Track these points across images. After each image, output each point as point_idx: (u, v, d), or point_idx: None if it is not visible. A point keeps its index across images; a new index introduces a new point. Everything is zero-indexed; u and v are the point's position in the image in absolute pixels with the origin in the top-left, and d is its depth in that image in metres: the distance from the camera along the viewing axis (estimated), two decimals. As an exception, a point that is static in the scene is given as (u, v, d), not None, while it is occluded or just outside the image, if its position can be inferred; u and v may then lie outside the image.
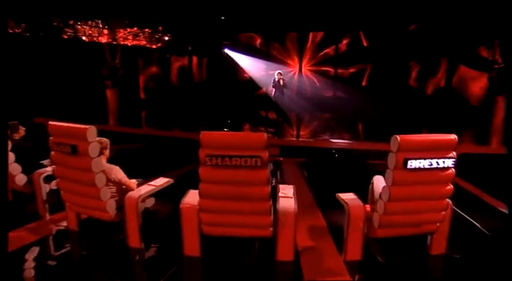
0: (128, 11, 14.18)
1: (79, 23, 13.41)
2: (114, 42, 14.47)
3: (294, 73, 15.02)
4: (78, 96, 12.10)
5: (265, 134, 3.98)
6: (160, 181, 4.97)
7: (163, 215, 5.37)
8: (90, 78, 12.60)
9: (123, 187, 4.70)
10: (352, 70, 14.59)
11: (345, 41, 14.51)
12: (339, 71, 14.60)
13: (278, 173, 8.16)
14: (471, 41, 12.07)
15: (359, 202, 4.52)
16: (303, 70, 14.89)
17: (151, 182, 4.92)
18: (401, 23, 13.37)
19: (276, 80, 11.66)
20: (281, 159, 8.66)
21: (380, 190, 4.60)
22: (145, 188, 4.67)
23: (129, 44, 14.79)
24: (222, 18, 14.82)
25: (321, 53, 14.81)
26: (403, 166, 3.97)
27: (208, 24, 15.26)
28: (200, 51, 15.57)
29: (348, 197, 4.60)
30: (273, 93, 11.91)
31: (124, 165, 4.70)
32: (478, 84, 12.21)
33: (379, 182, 4.94)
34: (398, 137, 3.95)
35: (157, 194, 4.94)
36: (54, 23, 12.62)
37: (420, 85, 13.52)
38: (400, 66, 13.72)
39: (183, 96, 15.06)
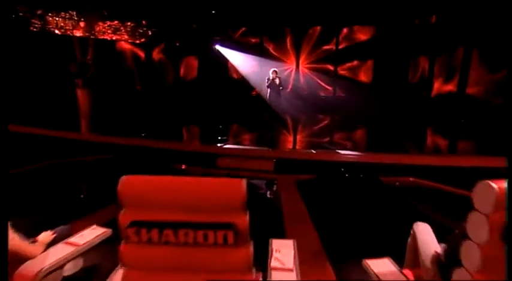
0: (107, 1, 12.17)
1: (50, 14, 11.36)
2: (92, 37, 12.43)
3: (291, 71, 13.09)
4: (46, 98, 10.08)
5: (245, 183, 2.00)
6: (89, 235, 2.99)
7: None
8: (61, 77, 10.57)
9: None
10: (353, 67, 12.61)
11: (345, 36, 12.54)
12: (340, 68, 12.66)
13: (274, 187, 6.28)
14: (489, 33, 10.14)
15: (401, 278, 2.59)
16: (300, 68, 12.94)
17: (75, 237, 2.95)
18: (407, 15, 11.45)
19: (271, 79, 9.73)
20: (275, 178, 6.72)
21: (432, 251, 2.72)
22: (56, 254, 2.70)
23: (109, 39, 12.76)
24: (213, 12, 12.85)
25: (320, 49, 12.85)
26: (502, 237, 2.04)
27: (197, 19, 13.31)
28: (188, 47, 13.57)
29: (381, 268, 2.66)
30: (267, 94, 9.98)
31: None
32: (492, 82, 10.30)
33: (426, 237, 3.02)
34: (494, 185, 2.00)
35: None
36: (20, 14, 10.58)
37: (426, 82, 11.61)
38: (405, 62, 11.77)
39: (170, 97, 13.08)
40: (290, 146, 9.90)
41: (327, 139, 10.70)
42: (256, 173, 7.02)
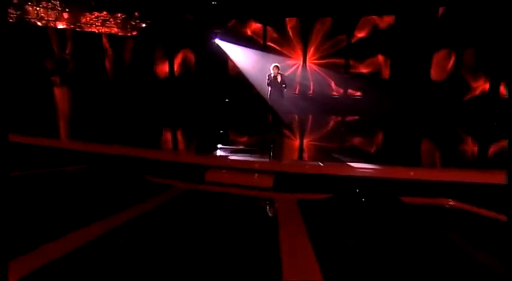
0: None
1: (29, 3, 10.19)
2: (78, 29, 11.26)
3: (297, 67, 11.78)
4: (18, 97, 8.89)
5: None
6: None
7: None
8: (35, 74, 9.37)
9: None
10: (368, 62, 11.20)
11: (359, 27, 11.15)
12: (352, 63, 11.29)
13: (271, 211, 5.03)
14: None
15: None
16: (307, 63, 11.62)
17: None
18: (430, 2, 10.06)
19: (272, 76, 8.42)
20: (273, 197, 5.44)
21: None
22: None
23: (97, 32, 11.59)
24: (213, 2, 11.64)
25: (330, 42, 11.49)
26: None
27: (193, 9, 12.10)
28: (183, 41, 12.34)
29: None
30: (268, 93, 8.67)
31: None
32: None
33: None
34: None
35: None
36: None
37: (452, 79, 10.21)
38: (428, 57, 10.37)
39: (161, 95, 11.86)
40: (296, 152, 8.59)
41: (338, 145, 9.36)
42: (252, 191, 5.74)
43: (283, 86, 8.44)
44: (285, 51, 11.75)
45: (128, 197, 4.89)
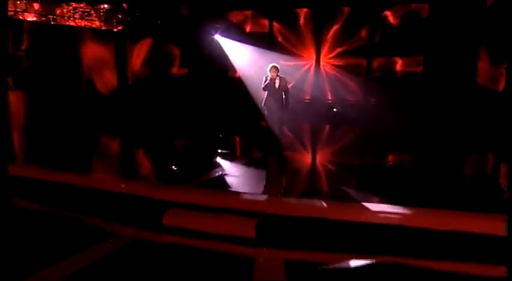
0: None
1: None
2: (53, 22, 9.81)
3: (309, 68, 10.03)
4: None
5: None
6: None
7: None
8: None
9: None
10: (395, 63, 9.72)
11: (384, 19, 9.27)
12: (376, 63, 9.36)
13: None
14: None
15: None
16: (321, 63, 9.90)
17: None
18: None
19: (268, 79, 6.68)
20: (252, 254, 3.75)
21: None
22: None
23: (73, 25, 10.12)
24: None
25: (349, 38, 9.69)
26: None
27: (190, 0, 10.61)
28: (178, 37, 10.72)
29: None
30: (263, 100, 6.92)
31: None
32: None
33: None
34: None
35: None
36: None
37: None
38: (471, 56, 8.39)
39: (153, 98, 10.29)
40: (306, 171, 6.77)
41: (358, 161, 7.49)
42: (225, 244, 4.02)
43: (284, 93, 6.67)
44: (294, 49, 10.01)
45: (43, 251, 3.52)
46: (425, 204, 4.26)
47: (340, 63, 10.14)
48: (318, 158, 7.65)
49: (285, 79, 6.73)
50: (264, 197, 4.73)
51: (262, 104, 6.89)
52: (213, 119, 9.54)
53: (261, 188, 5.27)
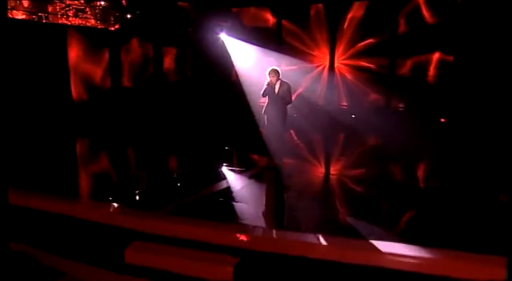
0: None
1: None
2: (44, 21, 9.15)
3: (322, 69, 9.10)
4: None
5: None
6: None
7: None
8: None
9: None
10: (420, 63, 8.75)
11: (408, 14, 8.29)
12: (398, 64, 9.11)
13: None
14: None
15: None
16: (335, 65, 8.93)
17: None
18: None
19: (267, 83, 5.75)
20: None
21: None
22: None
23: (68, 24, 9.44)
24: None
25: (367, 36, 9.12)
26: None
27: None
28: (178, 36, 10.07)
29: None
30: (263, 107, 5.97)
31: None
32: None
33: None
34: None
35: None
36: None
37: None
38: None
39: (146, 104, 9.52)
40: (318, 184, 5.80)
41: (376, 172, 6.45)
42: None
43: (286, 99, 5.73)
44: (306, 49, 9.06)
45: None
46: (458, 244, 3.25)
47: (356, 63, 9.12)
48: (329, 173, 6.68)
49: (287, 84, 5.79)
50: (252, 229, 3.77)
51: (262, 112, 5.95)
52: (206, 128, 8.66)
53: (254, 215, 4.32)
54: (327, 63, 9.27)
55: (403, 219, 4.24)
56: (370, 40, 8.94)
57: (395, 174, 6.40)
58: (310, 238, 3.43)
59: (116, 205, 4.39)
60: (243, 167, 6.24)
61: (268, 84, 5.70)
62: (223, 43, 9.86)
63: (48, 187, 4.43)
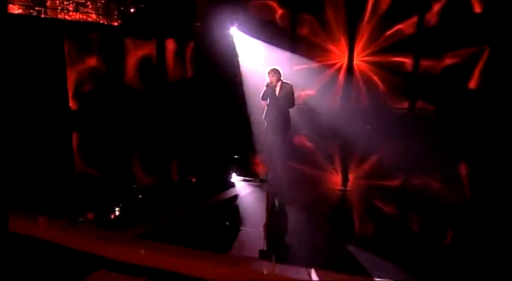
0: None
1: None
2: (42, 15, 8.67)
3: (339, 67, 8.29)
4: None
5: None
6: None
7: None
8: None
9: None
10: (450, 59, 7.64)
11: (437, 7, 7.33)
12: (425, 61, 7.69)
13: None
14: None
15: None
16: (354, 62, 8.09)
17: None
18: None
19: (267, 84, 5.08)
20: None
21: None
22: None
23: (68, 19, 8.92)
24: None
25: (390, 31, 7.63)
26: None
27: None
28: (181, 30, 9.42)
29: None
30: (263, 112, 5.23)
31: None
32: None
33: None
34: None
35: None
36: None
37: None
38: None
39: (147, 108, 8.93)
40: (334, 194, 5.00)
41: (399, 183, 5.64)
42: None
43: (287, 103, 5.02)
44: (322, 43, 8.26)
45: None
46: None
47: (378, 60, 8.22)
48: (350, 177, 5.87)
49: (289, 85, 5.09)
50: (239, 260, 3.02)
51: (263, 117, 5.23)
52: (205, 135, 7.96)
53: (246, 239, 3.58)
54: (345, 61, 8.38)
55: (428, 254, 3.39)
56: (396, 32, 8.01)
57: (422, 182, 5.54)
58: (301, 273, 2.65)
59: (85, 223, 3.72)
60: (244, 177, 5.51)
61: (267, 86, 5.02)
62: (232, 39, 9.12)
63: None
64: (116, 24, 9.63)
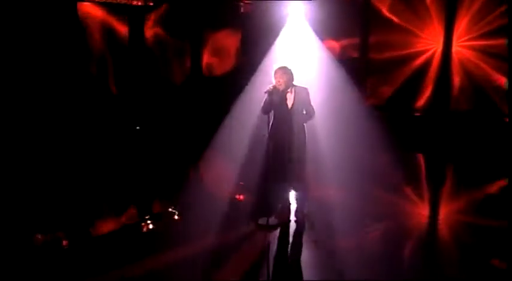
0: None
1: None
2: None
3: (431, 54, 6.52)
4: None
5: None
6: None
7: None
8: None
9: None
10: None
11: None
12: None
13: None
14: None
15: None
16: (453, 48, 6.08)
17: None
18: None
19: (271, 91, 3.67)
20: None
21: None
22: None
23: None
24: None
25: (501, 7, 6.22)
26: None
27: None
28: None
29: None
30: (267, 124, 3.75)
31: None
32: None
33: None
34: None
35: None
36: None
37: None
38: None
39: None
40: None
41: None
42: None
43: (307, 115, 3.81)
44: (410, 27, 6.54)
45: None
46: None
47: (486, 44, 6.41)
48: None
49: (304, 91, 3.77)
50: None
51: (266, 135, 3.85)
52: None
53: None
54: (440, 47, 6.57)
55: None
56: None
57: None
58: None
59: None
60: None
61: (270, 94, 3.64)
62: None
63: None
64: (137, 3, 8.22)
